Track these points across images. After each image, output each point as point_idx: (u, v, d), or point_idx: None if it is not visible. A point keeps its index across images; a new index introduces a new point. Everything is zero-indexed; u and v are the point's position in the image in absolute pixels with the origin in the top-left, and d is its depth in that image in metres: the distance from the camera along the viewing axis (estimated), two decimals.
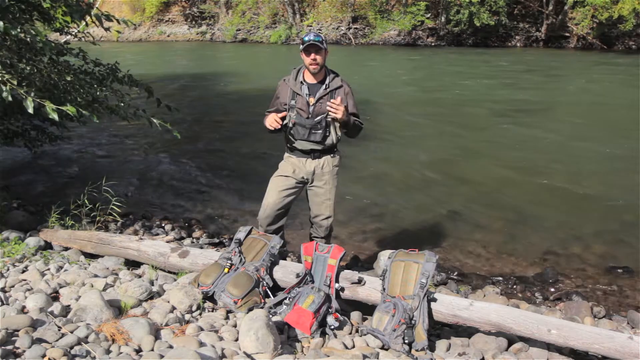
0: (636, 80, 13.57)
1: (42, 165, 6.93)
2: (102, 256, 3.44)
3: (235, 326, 2.43)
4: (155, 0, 33.46)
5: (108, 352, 2.03)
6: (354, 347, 2.42)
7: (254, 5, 30.87)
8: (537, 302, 3.78)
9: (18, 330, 2.08)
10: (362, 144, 7.14)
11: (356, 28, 27.40)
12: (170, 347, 2.13)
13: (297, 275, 2.80)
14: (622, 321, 3.44)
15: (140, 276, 3.08)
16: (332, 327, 2.51)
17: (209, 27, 32.90)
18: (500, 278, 4.10)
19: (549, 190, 5.94)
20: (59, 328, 2.15)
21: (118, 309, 2.46)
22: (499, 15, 23.83)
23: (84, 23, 4.12)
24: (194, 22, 33.58)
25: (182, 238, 4.57)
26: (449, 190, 6.00)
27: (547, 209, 5.42)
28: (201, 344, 2.16)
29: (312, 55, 2.93)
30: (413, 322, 2.42)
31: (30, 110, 3.04)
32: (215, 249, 4.20)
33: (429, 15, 25.33)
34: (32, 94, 3.08)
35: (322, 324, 2.51)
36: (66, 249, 3.57)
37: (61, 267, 3.10)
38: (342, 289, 2.74)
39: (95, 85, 4.43)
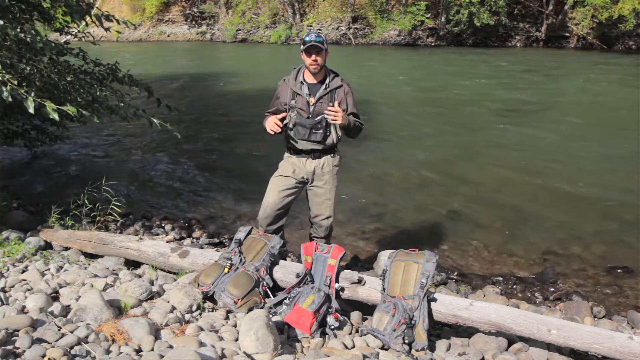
0: (636, 80, 13.57)
1: (42, 165, 6.93)
2: (102, 256, 3.44)
3: (235, 326, 2.43)
4: (155, 0, 33.45)
5: (108, 352, 2.03)
6: (354, 347, 2.42)
7: (254, 5, 30.87)
8: (537, 302, 3.78)
9: (18, 330, 2.07)
10: (362, 144, 7.14)
11: (356, 28, 27.40)
12: (170, 347, 2.13)
13: (297, 275, 2.80)
14: (622, 321, 3.44)
15: (140, 276, 3.08)
16: (332, 327, 2.51)
17: (209, 27, 32.90)
18: (500, 278, 4.10)
19: (548, 190, 5.94)
20: (59, 328, 2.15)
21: (118, 309, 2.46)
22: (499, 15, 23.84)
23: (84, 23, 4.12)
24: (194, 22, 33.58)
25: (182, 238, 4.57)
26: (449, 190, 6.00)
27: (547, 209, 5.42)
28: (201, 344, 2.16)
29: (313, 57, 2.94)
30: (413, 322, 2.42)
31: (31, 110, 3.04)
32: (215, 249, 4.20)
33: (429, 15, 25.33)
34: (33, 94, 3.08)
35: (322, 324, 2.51)
36: (66, 249, 3.57)
37: (61, 267, 3.10)
38: (342, 289, 2.74)
39: (95, 85, 4.43)
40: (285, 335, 2.42)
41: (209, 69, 18.47)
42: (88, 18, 3.98)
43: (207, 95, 13.02)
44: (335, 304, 2.61)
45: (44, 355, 1.89)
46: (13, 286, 2.71)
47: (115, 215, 4.08)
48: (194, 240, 4.58)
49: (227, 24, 31.63)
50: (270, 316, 2.35)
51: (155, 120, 4.13)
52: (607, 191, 5.88)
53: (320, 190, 3.23)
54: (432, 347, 2.52)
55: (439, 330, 2.80)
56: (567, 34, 24.30)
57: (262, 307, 2.61)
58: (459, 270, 4.21)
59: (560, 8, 24.02)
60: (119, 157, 7.44)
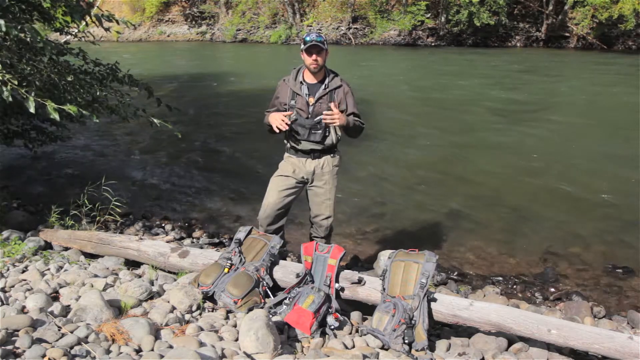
0: (636, 81, 13.57)
1: (42, 165, 6.93)
2: (102, 256, 3.44)
3: (235, 326, 2.43)
4: (155, 0, 33.46)
5: (108, 352, 2.03)
6: (354, 347, 2.42)
7: (254, 5, 30.88)
8: (537, 302, 3.78)
9: (18, 330, 2.07)
10: (362, 144, 7.13)
11: (356, 28, 27.40)
12: (170, 347, 2.12)
13: (297, 275, 2.80)
14: (622, 321, 3.44)
15: (140, 276, 3.08)
16: (332, 327, 2.51)
17: (209, 27, 32.90)
18: (500, 278, 4.10)
19: (548, 190, 5.94)
20: (59, 328, 2.15)
21: (118, 309, 2.46)
22: (499, 15, 23.84)
23: (84, 23, 4.12)
24: (194, 22, 33.58)
25: (182, 238, 4.57)
26: (449, 190, 6.00)
27: (547, 209, 5.42)
28: (201, 344, 2.16)
29: (314, 56, 2.93)
30: (413, 322, 2.42)
31: (32, 110, 3.04)
32: (215, 249, 4.20)
33: (428, 15, 25.34)
34: (33, 94, 3.08)
35: (322, 324, 2.51)
36: (66, 249, 3.57)
37: (61, 267, 3.10)
38: (342, 289, 2.74)
39: (95, 85, 4.43)
40: (285, 335, 2.42)
41: (209, 69, 18.47)
42: (88, 18, 3.98)
43: (207, 95, 13.03)
44: (335, 304, 2.61)
45: (44, 355, 1.89)
46: (13, 286, 2.71)
47: (115, 215, 4.08)
48: (194, 240, 4.58)
49: (227, 24, 31.63)
50: (270, 316, 2.35)
51: (155, 120, 4.13)
52: (607, 191, 5.88)
53: (320, 190, 3.23)
54: (432, 347, 2.52)
55: (439, 330, 2.80)
56: (567, 34, 24.31)
57: (262, 307, 2.61)
58: (459, 270, 4.21)
59: (560, 8, 24.03)
60: (119, 157, 7.45)
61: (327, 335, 2.49)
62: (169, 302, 2.60)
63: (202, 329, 2.35)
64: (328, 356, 2.23)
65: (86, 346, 2.01)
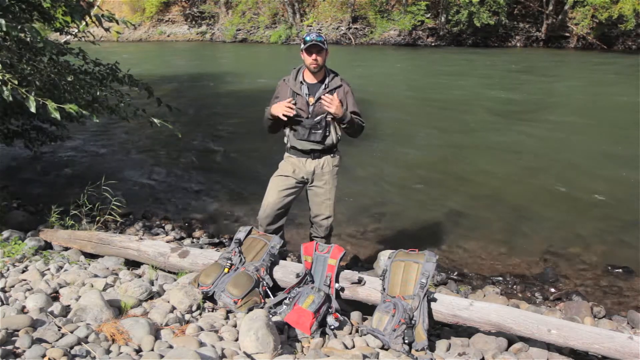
0: (636, 80, 13.57)
1: (42, 165, 6.93)
2: (102, 256, 3.43)
3: (235, 326, 2.43)
4: (155, 0, 33.46)
5: (108, 352, 2.03)
6: (354, 347, 2.42)
7: (254, 5, 30.88)
8: (537, 302, 3.78)
9: (18, 330, 2.07)
10: (362, 144, 7.14)
11: (356, 28, 27.41)
12: (170, 347, 2.12)
13: (297, 275, 2.80)
14: (622, 321, 3.44)
15: (140, 276, 3.08)
16: (332, 327, 2.51)
17: (209, 27, 32.91)
18: (500, 278, 4.10)
19: (549, 190, 5.94)
20: (59, 328, 2.15)
21: (118, 309, 2.46)
22: (499, 15, 23.85)
23: (84, 23, 4.12)
24: (194, 22, 33.59)
25: (182, 238, 4.57)
26: (449, 190, 6.00)
27: (547, 209, 5.42)
28: (201, 344, 2.16)
29: (314, 56, 2.93)
30: (413, 322, 2.42)
31: (33, 110, 3.04)
32: (215, 249, 4.20)
33: (428, 15, 25.34)
34: (33, 94, 3.08)
35: (322, 324, 2.51)
36: (66, 249, 3.57)
37: (61, 267, 3.10)
38: (342, 289, 2.74)
39: (95, 85, 4.43)
40: (285, 335, 2.42)
41: (209, 69, 18.47)
42: (88, 18, 3.98)
43: (207, 95, 13.03)
44: (335, 304, 2.61)
45: (44, 355, 1.89)
46: (13, 286, 2.71)
47: (115, 215, 4.08)
48: (194, 240, 4.58)
49: (227, 24, 31.64)
50: (270, 316, 2.35)
51: (155, 120, 4.13)
52: (607, 191, 5.88)
53: (320, 190, 3.23)
54: (432, 347, 2.52)
55: (439, 330, 2.80)
56: (567, 34, 24.31)
57: (262, 307, 2.61)
58: (459, 270, 4.21)
59: (560, 8, 24.03)
60: (119, 157, 7.45)
61: (327, 335, 2.49)
62: (169, 302, 2.60)
63: (202, 329, 2.35)
64: (328, 356, 2.23)
65: (86, 346, 2.01)
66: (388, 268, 2.68)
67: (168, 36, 33.64)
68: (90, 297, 2.39)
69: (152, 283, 2.92)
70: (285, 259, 3.40)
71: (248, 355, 2.10)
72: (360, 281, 2.75)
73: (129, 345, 2.10)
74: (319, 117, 3.04)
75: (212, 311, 2.65)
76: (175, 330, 2.32)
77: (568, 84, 14.21)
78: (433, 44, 25.80)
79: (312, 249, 2.86)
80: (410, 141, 8.21)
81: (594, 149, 7.62)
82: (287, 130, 3.19)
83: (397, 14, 26.21)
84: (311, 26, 27.98)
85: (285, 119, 2.99)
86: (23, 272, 2.95)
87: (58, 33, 5.15)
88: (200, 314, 2.58)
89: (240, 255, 2.91)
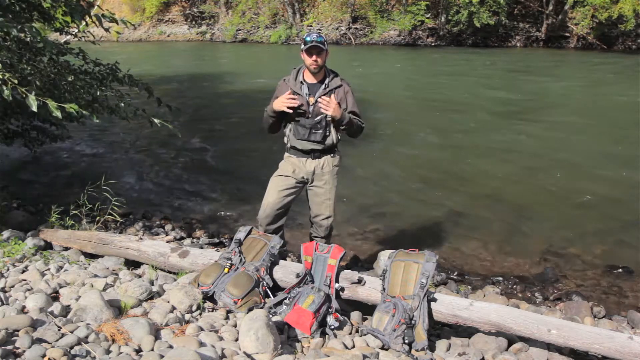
0: (636, 80, 13.57)
1: (42, 165, 6.93)
2: (102, 256, 3.43)
3: (235, 326, 2.43)
4: (155, 0, 33.46)
5: (108, 352, 2.03)
6: (354, 347, 2.42)
7: (254, 5, 30.88)
8: (537, 302, 3.78)
9: (18, 330, 2.07)
10: (362, 144, 7.14)
11: (356, 28, 27.41)
12: (170, 347, 2.12)
13: (297, 275, 2.80)
14: (622, 321, 3.44)
15: (140, 276, 3.08)
16: (332, 327, 2.51)
17: (209, 27, 32.91)
18: (500, 278, 4.10)
19: (549, 190, 5.94)
20: (59, 328, 2.15)
21: (118, 309, 2.46)
22: (499, 15, 23.84)
23: (84, 23, 4.12)
24: (194, 22, 33.58)
25: (182, 238, 4.57)
26: (449, 190, 6.00)
27: (547, 209, 5.42)
28: (201, 344, 2.16)
29: (314, 57, 2.93)
30: (413, 322, 2.42)
31: (34, 109, 3.04)
32: (215, 249, 4.20)
33: (428, 15, 25.34)
34: (33, 94, 3.08)
35: (322, 324, 2.51)
36: (66, 249, 3.57)
37: (61, 267, 3.10)
38: (342, 289, 2.74)
39: (95, 85, 4.43)
40: (285, 335, 2.42)
41: (209, 69, 18.47)
42: (88, 18, 3.99)
43: (207, 95, 13.03)
44: (335, 304, 2.61)
45: (44, 355, 1.89)
46: (13, 286, 2.70)
47: (115, 215, 4.08)
48: (194, 240, 4.58)
49: (227, 24, 31.64)
50: (270, 316, 2.35)
51: (155, 120, 4.13)
52: (607, 191, 5.88)
53: (320, 190, 3.23)
54: (432, 347, 2.52)
55: (439, 330, 2.80)
56: (567, 34, 24.31)
57: (262, 307, 2.61)
58: (459, 270, 4.21)
59: (560, 8, 24.03)
60: (119, 157, 7.45)
61: (327, 335, 2.49)
62: (169, 302, 2.60)
63: (202, 329, 2.35)
64: (328, 356, 2.23)
65: (86, 346, 2.01)
66: (388, 268, 2.68)
67: (168, 36, 33.64)
68: (90, 297, 2.39)
69: (152, 283, 2.92)
70: (285, 259, 3.40)
71: (248, 355, 2.10)
72: (360, 281, 2.75)
73: (129, 345, 2.10)
74: (319, 117, 3.04)
75: (212, 311, 2.65)
76: (175, 330, 2.32)
77: (568, 84, 14.21)
78: (433, 44, 25.80)
79: (312, 249, 2.86)
80: (410, 141, 8.21)
81: (594, 149, 7.62)
82: (287, 130, 3.19)
83: (397, 14, 26.21)
84: (311, 26, 27.98)
85: (290, 111, 2.98)
86: (23, 272, 2.95)
87: (58, 33, 5.15)
88: (200, 314, 2.58)
89: (240, 255, 2.91)
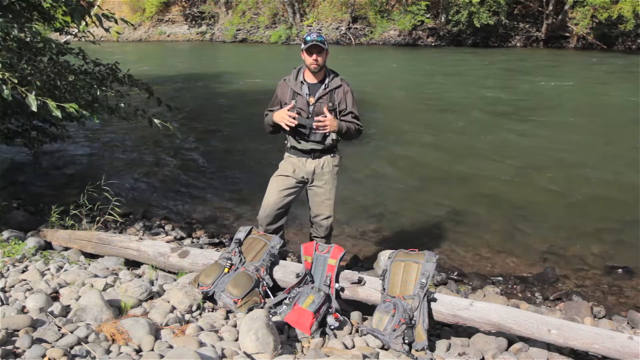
0: (636, 80, 13.57)
1: (42, 165, 6.93)
2: (102, 256, 3.43)
3: (235, 326, 2.43)
4: (155, 0, 33.47)
5: (108, 352, 2.03)
6: (354, 347, 2.42)
7: (254, 5, 30.89)
8: (537, 302, 3.78)
9: (18, 330, 2.07)
10: (362, 144, 7.14)
11: (356, 28, 27.41)
12: (170, 347, 2.12)
13: (297, 275, 2.80)
14: (622, 321, 3.44)
15: (140, 276, 3.08)
16: (332, 327, 2.51)
17: (209, 27, 32.91)
18: (500, 278, 4.10)
19: (548, 190, 5.94)
20: (59, 328, 2.15)
21: (118, 309, 2.46)
22: (499, 15, 23.84)
23: (84, 23, 4.12)
24: (194, 22, 33.59)
25: (182, 238, 4.57)
26: (449, 190, 6.00)
27: (547, 208, 5.42)
28: (201, 344, 2.16)
29: (314, 56, 2.93)
30: (413, 322, 2.42)
31: (34, 108, 3.04)
32: (215, 249, 4.20)
33: (428, 15, 25.34)
34: (34, 93, 3.08)
35: (322, 324, 2.51)
36: (66, 249, 3.57)
37: (61, 267, 3.10)
38: (342, 289, 2.74)
39: (95, 86, 4.43)
40: (285, 335, 2.42)
41: (209, 69, 18.47)
42: (88, 18, 3.98)
43: (207, 95, 13.03)
44: (335, 304, 2.61)
45: (44, 355, 1.89)
46: (13, 286, 2.70)
47: (115, 215, 4.08)
48: (194, 240, 4.58)
49: (227, 24, 31.64)
50: (270, 316, 2.35)
51: (155, 121, 4.13)
52: (607, 191, 5.88)
53: (320, 190, 3.23)
54: (432, 347, 2.52)
55: (439, 330, 2.80)
56: (567, 34, 24.30)
57: (262, 307, 2.61)
58: (459, 270, 4.21)
59: (560, 8, 24.02)
60: (119, 157, 7.44)
61: (327, 335, 2.49)
62: (169, 302, 2.60)
63: (202, 329, 2.35)
64: (328, 356, 2.23)
65: (86, 346, 2.01)
66: (388, 268, 2.68)
67: (168, 36, 33.65)
68: (90, 297, 2.39)
69: (152, 283, 2.92)
70: (285, 259, 3.40)
71: (248, 355, 2.10)
72: (360, 281, 2.75)
73: (129, 345, 2.10)
74: (316, 118, 3.04)
75: (212, 311, 2.65)
76: (175, 330, 2.32)
77: (568, 84, 14.21)
78: (433, 44, 25.80)
79: (312, 249, 2.86)
80: (410, 141, 8.21)
81: (593, 148, 7.62)
82: (288, 130, 3.19)
83: (397, 14, 26.21)
84: (311, 26, 27.99)
85: (288, 129, 3.03)
86: (23, 272, 2.95)
87: (58, 33, 5.15)
88: (200, 314, 2.58)
89: (240, 255, 2.91)
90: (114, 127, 8.87)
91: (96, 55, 4.94)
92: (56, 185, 6.11)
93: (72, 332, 2.09)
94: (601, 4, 21.43)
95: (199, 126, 9.43)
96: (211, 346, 2.14)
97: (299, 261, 3.03)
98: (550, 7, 24.07)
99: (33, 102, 3.03)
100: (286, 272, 2.91)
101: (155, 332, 2.25)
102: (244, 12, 31.36)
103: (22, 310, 2.35)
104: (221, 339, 2.28)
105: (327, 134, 3.10)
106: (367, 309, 2.77)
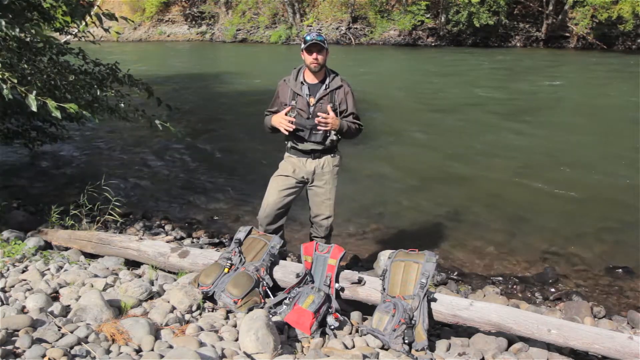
0: (636, 80, 13.57)
1: (42, 165, 6.93)
2: (102, 256, 3.43)
3: (235, 326, 2.43)
4: (155, 0, 33.46)
5: (108, 352, 2.03)
6: (354, 347, 2.42)
7: (254, 5, 30.89)
8: (537, 302, 3.78)
9: (18, 330, 2.07)
10: (362, 144, 7.14)
11: (356, 28, 27.41)
12: (170, 347, 2.12)
13: (297, 275, 2.80)
14: (622, 321, 3.44)
15: (140, 276, 3.08)
16: (332, 327, 2.51)
17: (209, 27, 32.91)
18: (500, 278, 4.10)
19: (549, 190, 5.94)
20: (59, 328, 2.15)
21: (118, 309, 2.46)
22: (499, 15, 23.84)
23: (83, 23, 4.12)
24: (194, 22, 33.59)
25: (182, 238, 4.57)
26: (449, 190, 6.00)
27: (547, 208, 5.42)
28: (201, 344, 2.16)
29: (314, 55, 2.93)
30: (413, 322, 2.42)
31: (34, 108, 3.04)
32: (215, 249, 4.20)
33: (428, 15, 25.34)
34: (34, 93, 3.08)
35: (322, 324, 2.51)
36: (66, 249, 3.57)
37: (61, 267, 3.09)
38: (342, 289, 2.74)
39: (95, 86, 4.44)
40: (285, 335, 2.42)
41: (209, 69, 18.47)
42: (88, 18, 3.98)
43: (207, 95, 13.03)
44: (335, 304, 2.61)
45: (44, 355, 1.89)
46: (13, 286, 2.70)
47: (115, 215, 4.08)
48: (194, 240, 4.58)
49: (227, 24, 31.64)
50: (270, 316, 2.35)
51: (156, 121, 4.13)
52: (607, 191, 5.88)
53: (321, 190, 3.22)
54: (432, 347, 2.52)
55: (439, 330, 2.80)
56: (567, 34, 24.30)
57: (262, 307, 2.61)
58: (459, 270, 4.21)
59: (560, 8, 24.02)
60: (119, 157, 7.44)
61: (327, 335, 2.49)
62: (169, 302, 2.60)
63: (202, 329, 2.35)
64: (328, 356, 2.23)
65: (86, 346, 2.01)
66: (388, 268, 2.68)
67: (168, 36, 33.64)
68: (90, 297, 2.39)
69: (152, 283, 2.92)
70: (285, 259, 3.40)
71: (248, 355, 2.10)
72: (360, 281, 2.75)
73: (129, 345, 2.10)
74: (318, 114, 3.03)
75: (212, 311, 2.65)
76: (175, 330, 2.32)
77: (568, 84, 14.21)
78: (433, 44, 25.80)
79: (312, 249, 2.86)
80: (410, 141, 8.21)
81: (593, 148, 7.62)
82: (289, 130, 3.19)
83: (397, 14, 26.21)
84: (311, 26, 27.99)
85: (286, 133, 3.05)
86: (23, 272, 2.95)
87: (58, 33, 5.15)
88: (200, 314, 2.58)
89: (240, 255, 2.91)
90: (114, 127, 8.86)
91: (96, 55, 4.94)
92: (56, 185, 6.11)
93: (72, 332, 2.09)
94: (601, 4, 21.43)
95: (199, 126, 9.43)
96: (211, 346, 2.14)
97: (299, 261, 3.03)
98: (550, 7, 24.07)
99: (33, 102, 3.03)
100: (286, 272, 2.91)
101: (155, 332, 2.25)
102: (244, 12, 31.36)
103: (22, 310, 2.35)
104: (221, 339, 2.28)
105: (328, 134, 3.10)
106: (367, 309, 2.77)
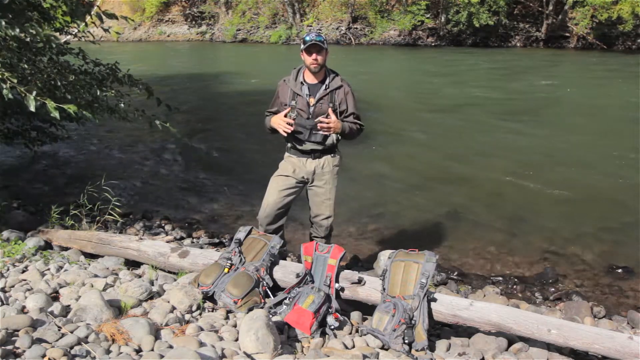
0: (636, 80, 13.57)
1: (42, 165, 6.93)
2: (102, 256, 3.43)
3: (235, 326, 2.43)
4: (155, 0, 33.45)
5: (108, 352, 2.03)
6: (354, 347, 2.42)
7: (254, 5, 30.88)
8: (537, 302, 3.78)
9: (18, 330, 2.07)
10: (362, 144, 7.14)
11: (356, 28, 27.40)
12: (170, 347, 2.12)
13: (297, 275, 2.80)
14: (622, 321, 3.44)
15: (140, 276, 3.08)
16: (332, 327, 2.51)
17: (209, 27, 32.90)
18: (500, 278, 4.10)
19: (549, 190, 5.94)
20: (59, 328, 2.15)
21: (118, 309, 2.46)
22: (499, 15, 23.83)
23: (83, 23, 4.12)
24: (194, 22, 33.58)
25: (182, 238, 4.57)
26: (449, 190, 6.00)
27: (547, 208, 5.42)
28: (201, 344, 2.16)
29: (314, 55, 2.93)
30: (413, 322, 2.42)
31: (32, 108, 3.04)
32: (215, 249, 4.20)
33: (428, 15, 25.34)
34: (34, 93, 3.08)
35: (322, 324, 2.51)
36: (66, 249, 3.57)
37: (61, 267, 3.09)
38: (342, 289, 2.74)
39: (95, 86, 4.43)
40: (285, 335, 2.42)
41: (209, 69, 18.47)
42: (88, 18, 3.98)
43: (207, 95, 13.03)
44: (335, 304, 2.61)
45: (44, 355, 1.89)
46: (13, 286, 2.70)
47: (115, 215, 4.08)
48: (194, 240, 4.58)
49: (227, 24, 31.63)
50: (270, 316, 2.35)
51: (156, 121, 4.12)
52: (607, 191, 5.88)
53: (321, 190, 3.22)
54: (432, 347, 2.52)
55: (439, 330, 2.80)
56: (567, 34, 24.29)
57: (262, 307, 2.61)
58: (459, 270, 4.21)
59: (560, 8, 24.01)
60: (119, 157, 7.45)
61: (327, 335, 2.49)
62: (169, 302, 2.60)
63: (202, 329, 2.35)
64: (328, 356, 2.23)
65: (86, 346, 2.01)
66: (388, 268, 2.68)
67: (168, 36, 33.63)
68: (90, 297, 2.39)
69: (152, 283, 2.92)
70: (285, 259, 3.40)
71: (248, 355, 2.10)
72: (360, 281, 2.75)
73: (129, 345, 2.10)
74: (319, 118, 3.03)
75: (212, 311, 2.65)
76: (175, 330, 2.32)
77: (568, 84, 14.20)
78: (433, 44, 25.79)
79: (312, 249, 2.86)
80: (410, 141, 8.21)
81: (593, 148, 7.62)
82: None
83: (397, 14, 26.20)
84: (311, 26, 27.98)
85: (285, 134, 3.05)
86: (23, 272, 2.95)
87: (58, 33, 5.14)
88: (200, 314, 2.58)
89: (240, 255, 2.91)
90: (114, 127, 8.86)
91: (96, 55, 4.94)
92: (56, 185, 6.11)
93: (72, 332, 2.09)
94: (601, 4, 21.43)
95: (199, 126, 9.43)
96: (211, 346, 2.14)
97: (299, 261, 3.03)
98: (550, 7, 24.06)
99: (31, 102, 3.03)
100: (286, 272, 2.91)
101: (155, 332, 2.25)
102: (244, 12, 31.35)
103: (22, 310, 2.35)
104: (221, 339, 2.28)
105: (329, 135, 3.09)
106: (367, 309, 2.77)
